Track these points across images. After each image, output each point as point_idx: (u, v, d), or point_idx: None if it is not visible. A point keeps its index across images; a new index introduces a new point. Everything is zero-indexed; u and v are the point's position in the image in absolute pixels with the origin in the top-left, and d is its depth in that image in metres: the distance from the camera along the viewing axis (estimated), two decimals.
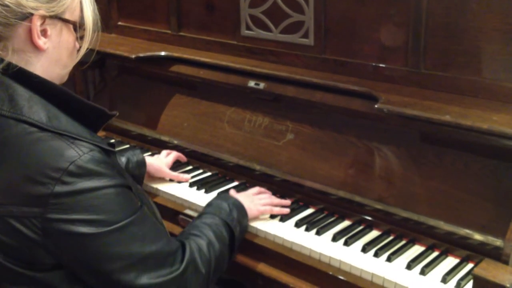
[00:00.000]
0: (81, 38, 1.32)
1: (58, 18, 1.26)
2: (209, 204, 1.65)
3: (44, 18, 1.24)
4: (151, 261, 1.26)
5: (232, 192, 1.79)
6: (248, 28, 2.13)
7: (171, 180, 2.03)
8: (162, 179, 2.02)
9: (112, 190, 1.22)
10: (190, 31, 2.36)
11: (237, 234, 1.58)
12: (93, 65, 2.65)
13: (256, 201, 1.76)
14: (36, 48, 1.25)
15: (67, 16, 1.28)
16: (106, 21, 2.64)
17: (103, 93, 2.57)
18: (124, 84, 2.50)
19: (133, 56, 2.26)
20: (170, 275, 1.28)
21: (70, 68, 1.36)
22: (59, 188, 1.16)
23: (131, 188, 1.30)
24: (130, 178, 1.42)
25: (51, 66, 1.30)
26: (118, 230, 1.22)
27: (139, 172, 1.90)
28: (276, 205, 1.79)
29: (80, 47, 1.34)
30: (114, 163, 1.29)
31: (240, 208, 1.65)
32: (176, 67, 2.26)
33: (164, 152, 2.10)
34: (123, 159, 1.85)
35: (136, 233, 1.25)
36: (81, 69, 2.54)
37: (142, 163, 1.92)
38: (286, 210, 1.76)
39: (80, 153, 1.19)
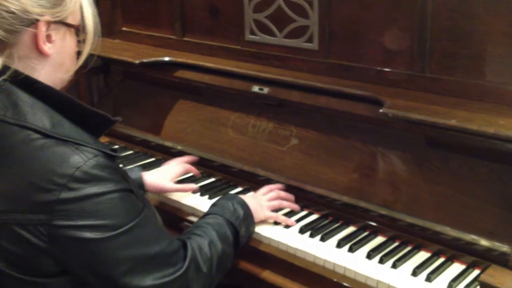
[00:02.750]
0: (83, 41, 1.32)
1: (62, 23, 1.27)
2: (214, 204, 1.66)
3: (49, 23, 1.24)
4: (155, 262, 1.27)
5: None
6: (252, 33, 2.13)
7: None
8: None
9: (116, 194, 1.22)
10: (194, 36, 2.35)
11: (242, 233, 1.57)
12: (97, 71, 2.66)
13: (264, 203, 1.75)
14: (41, 54, 1.25)
15: (69, 20, 1.28)
16: (110, 27, 2.64)
17: (107, 98, 2.57)
18: (128, 90, 2.50)
19: (137, 62, 2.25)
20: (173, 274, 1.29)
21: (72, 72, 1.36)
22: (65, 195, 1.16)
23: (134, 192, 1.30)
24: (132, 181, 1.41)
25: (55, 71, 1.30)
26: (123, 234, 1.22)
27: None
28: (286, 207, 1.80)
29: (81, 50, 1.34)
30: (117, 167, 1.29)
31: (245, 207, 1.64)
32: (180, 72, 2.25)
33: (174, 161, 2.00)
34: None
35: (140, 235, 1.25)
36: (84, 75, 2.55)
37: (141, 185, 1.82)
38: (292, 222, 1.74)
39: (85, 158, 1.19)
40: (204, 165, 2.10)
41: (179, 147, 2.17)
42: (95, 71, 2.65)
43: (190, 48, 2.35)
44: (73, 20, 1.29)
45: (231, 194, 1.77)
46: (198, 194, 1.94)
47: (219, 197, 1.86)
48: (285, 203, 1.81)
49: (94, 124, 1.30)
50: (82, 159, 1.18)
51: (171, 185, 1.90)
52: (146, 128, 2.32)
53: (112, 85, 2.59)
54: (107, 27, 2.66)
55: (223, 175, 2.06)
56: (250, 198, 1.70)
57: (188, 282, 1.33)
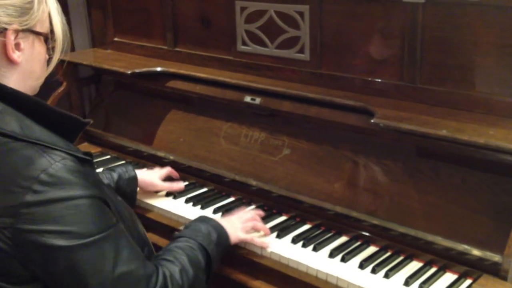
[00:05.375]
0: (52, 49, 1.32)
1: (30, 31, 1.27)
2: (186, 226, 1.59)
3: (17, 32, 1.24)
4: (123, 282, 1.22)
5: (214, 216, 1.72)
6: (244, 43, 2.13)
7: (167, 195, 2.01)
8: (156, 195, 2.01)
9: (84, 201, 1.18)
10: (186, 47, 2.36)
11: (214, 257, 1.51)
12: (89, 81, 2.66)
13: (237, 225, 1.68)
14: (10, 62, 1.25)
15: (38, 28, 1.29)
16: (102, 37, 2.65)
17: (99, 108, 2.56)
18: (120, 100, 2.50)
19: (129, 72, 2.25)
20: None
21: (42, 79, 1.36)
22: (29, 198, 1.14)
23: (107, 201, 1.27)
24: (108, 191, 1.39)
25: (25, 79, 1.29)
26: (89, 245, 1.18)
27: (131, 189, 1.87)
28: (260, 229, 1.73)
29: (51, 58, 1.34)
30: (89, 173, 1.26)
31: (219, 229, 1.58)
32: (172, 82, 2.26)
33: (158, 168, 2.09)
34: (114, 175, 1.84)
35: (109, 250, 1.21)
36: (76, 85, 2.54)
37: (134, 180, 1.89)
38: (266, 244, 1.68)
39: (51, 161, 1.17)
40: (196, 175, 2.11)
41: (171, 157, 2.17)
42: (86, 81, 2.65)
43: (182, 58, 2.36)
44: (41, 28, 1.30)
45: (204, 216, 1.67)
46: (191, 204, 1.94)
47: (210, 208, 1.88)
48: (259, 224, 1.73)
49: (66, 127, 1.29)
50: (48, 161, 1.16)
51: (161, 183, 2.01)
52: (138, 138, 2.32)
53: (104, 95, 2.58)
54: (99, 37, 2.67)
55: (215, 185, 2.06)
56: (224, 221, 1.65)
57: None
